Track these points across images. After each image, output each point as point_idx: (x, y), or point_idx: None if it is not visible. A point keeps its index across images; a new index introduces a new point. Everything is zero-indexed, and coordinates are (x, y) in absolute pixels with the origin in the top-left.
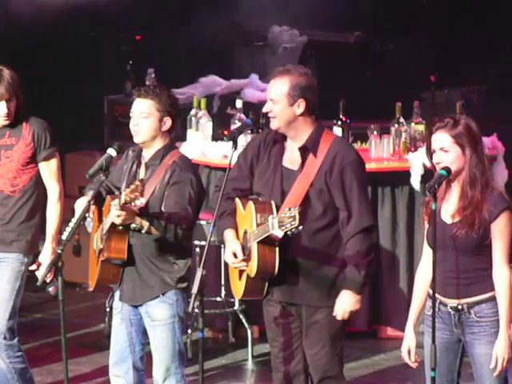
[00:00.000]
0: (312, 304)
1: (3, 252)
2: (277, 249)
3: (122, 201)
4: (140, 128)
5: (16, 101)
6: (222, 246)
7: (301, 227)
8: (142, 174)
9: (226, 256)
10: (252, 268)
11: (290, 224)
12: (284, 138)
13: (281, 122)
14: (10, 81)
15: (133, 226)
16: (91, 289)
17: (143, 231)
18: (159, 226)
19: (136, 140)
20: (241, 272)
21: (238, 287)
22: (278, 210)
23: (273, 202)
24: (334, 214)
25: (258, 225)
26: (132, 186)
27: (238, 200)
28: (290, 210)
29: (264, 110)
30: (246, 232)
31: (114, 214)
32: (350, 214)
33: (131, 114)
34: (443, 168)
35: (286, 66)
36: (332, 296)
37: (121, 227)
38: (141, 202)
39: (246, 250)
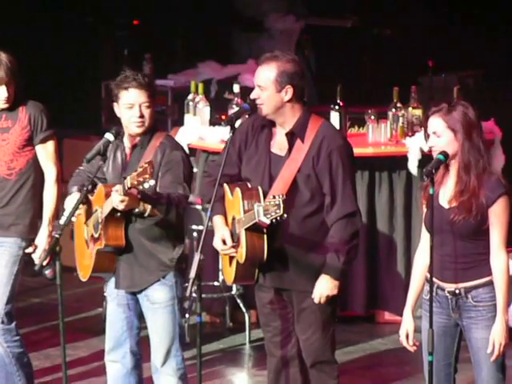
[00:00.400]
0: (301, 289)
1: (1, 236)
2: (265, 235)
3: (129, 185)
4: (146, 118)
5: (15, 84)
6: None
7: (285, 215)
8: (129, 157)
9: (215, 242)
10: (241, 254)
11: (274, 212)
12: (272, 123)
13: (268, 109)
14: (9, 64)
15: (136, 210)
16: (84, 279)
17: (146, 214)
18: (161, 208)
19: (140, 130)
20: (231, 258)
21: (229, 273)
22: (265, 197)
23: (260, 189)
24: (321, 200)
25: (245, 211)
26: (139, 169)
27: (226, 186)
28: (274, 197)
29: (252, 96)
30: (234, 218)
31: (117, 200)
32: (334, 199)
33: (128, 106)
34: (440, 153)
35: (273, 52)
36: None
37: (119, 214)
38: (149, 184)
39: (234, 236)
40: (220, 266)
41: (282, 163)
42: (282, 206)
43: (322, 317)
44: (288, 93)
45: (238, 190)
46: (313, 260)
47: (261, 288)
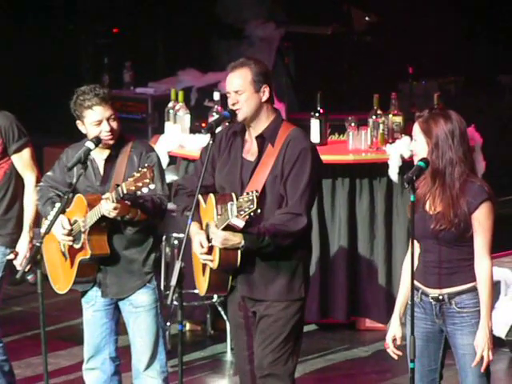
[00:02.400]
0: (272, 299)
1: None
2: None
3: (125, 191)
4: (114, 130)
5: None
6: None
7: (259, 211)
8: (101, 168)
9: (194, 247)
10: (214, 260)
11: (248, 208)
12: (244, 131)
13: (248, 111)
14: None
15: (127, 216)
16: (61, 292)
17: (136, 219)
18: (147, 211)
19: (112, 142)
20: (204, 267)
21: (202, 282)
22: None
23: (233, 194)
24: None
25: (218, 215)
26: (136, 175)
27: (200, 196)
28: (247, 194)
29: (229, 103)
30: (208, 225)
31: (109, 208)
32: (292, 197)
33: (96, 123)
34: (421, 159)
35: (239, 60)
36: (290, 290)
37: (104, 223)
38: (149, 188)
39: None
40: None
41: (252, 168)
42: (255, 200)
43: (281, 326)
44: (265, 93)
45: (211, 196)
46: (283, 268)
47: (232, 301)
